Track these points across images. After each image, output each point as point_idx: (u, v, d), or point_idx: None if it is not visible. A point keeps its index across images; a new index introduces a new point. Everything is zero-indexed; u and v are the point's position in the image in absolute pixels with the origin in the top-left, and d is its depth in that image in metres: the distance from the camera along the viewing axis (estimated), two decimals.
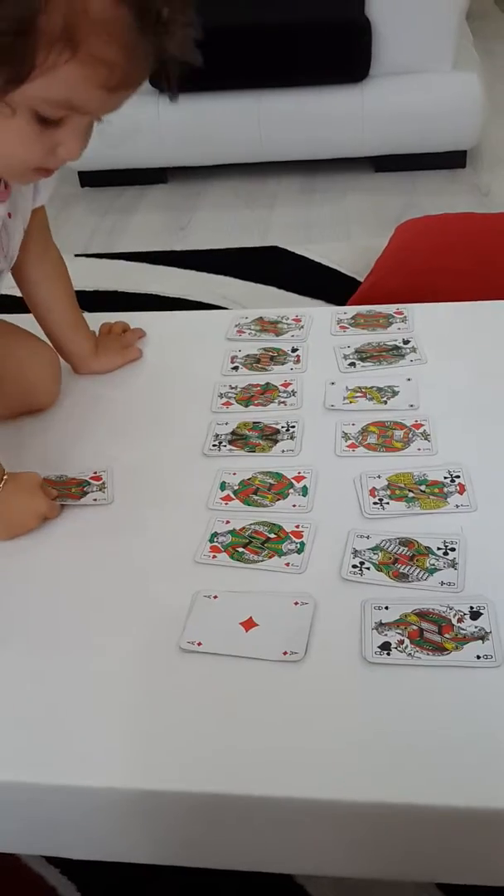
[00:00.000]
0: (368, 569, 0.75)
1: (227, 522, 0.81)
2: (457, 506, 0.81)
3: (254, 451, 0.91)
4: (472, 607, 0.70)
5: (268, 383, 1.02)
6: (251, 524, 0.81)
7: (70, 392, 1.05)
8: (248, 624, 0.71)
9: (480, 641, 0.67)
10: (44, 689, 0.68)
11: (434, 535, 0.78)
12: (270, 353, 1.08)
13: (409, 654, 0.67)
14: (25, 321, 1.05)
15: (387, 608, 0.71)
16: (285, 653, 0.68)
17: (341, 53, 2.24)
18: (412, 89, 2.29)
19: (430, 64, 2.28)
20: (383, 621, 0.70)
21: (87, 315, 1.12)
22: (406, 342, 1.07)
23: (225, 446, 0.92)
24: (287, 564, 0.76)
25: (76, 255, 2.13)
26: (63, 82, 0.65)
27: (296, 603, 0.72)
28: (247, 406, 0.99)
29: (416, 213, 2.01)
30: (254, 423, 0.95)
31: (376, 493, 0.83)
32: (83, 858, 0.70)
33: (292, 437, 0.93)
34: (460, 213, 1.94)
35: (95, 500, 0.85)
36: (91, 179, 2.53)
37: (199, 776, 0.61)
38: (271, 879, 0.85)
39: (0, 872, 0.89)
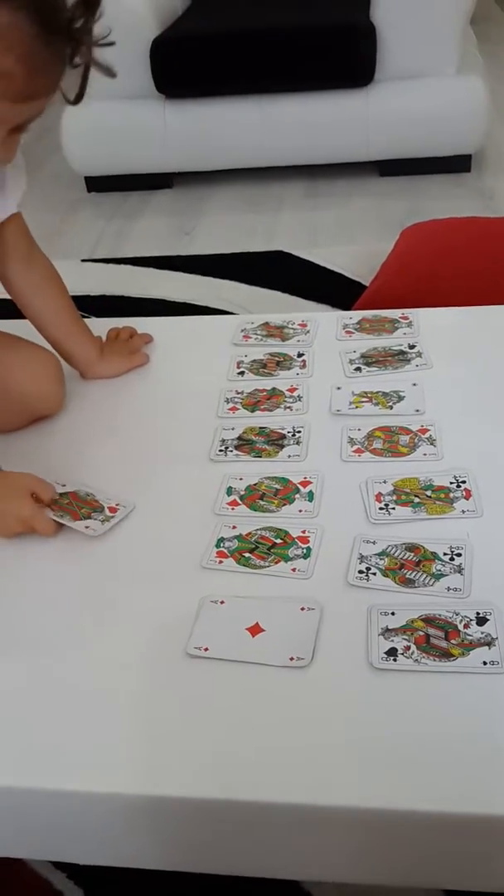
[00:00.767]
0: (375, 574, 0.75)
1: (234, 527, 0.82)
2: (463, 511, 0.81)
3: (260, 457, 0.91)
4: (478, 613, 0.70)
5: (274, 388, 1.03)
6: (257, 529, 0.81)
7: (76, 397, 1.05)
8: (255, 629, 0.71)
9: (487, 647, 0.67)
10: (50, 693, 0.68)
11: (440, 541, 0.78)
12: (276, 358, 1.08)
13: (416, 659, 0.67)
14: (23, 326, 1.05)
15: (393, 614, 0.71)
16: (292, 658, 0.68)
17: (346, 58, 2.25)
18: (417, 93, 2.29)
19: (435, 68, 2.28)
20: (389, 627, 0.70)
21: (93, 320, 1.12)
22: (412, 347, 1.07)
23: (231, 451, 0.93)
24: (293, 570, 0.77)
25: (82, 260, 2.14)
26: None
27: (302, 608, 0.72)
28: (253, 411, 0.99)
29: (420, 217, 2.01)
30: (260, 428, 0.96)
31: (382, 499, 0.83)
32: (89, 864, 0.70)
33: (298, 443, 0.93)
34: (465, 217, 1.94)
35: (87, 527, 0.82)
36: (97, 184, 2.54)
37: (205, 782, 0.62)
38: (278, 885, 0.85)
39: (7, 877, 0.89)
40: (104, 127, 2.38)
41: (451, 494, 0.83)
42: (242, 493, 0.86)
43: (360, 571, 0.75)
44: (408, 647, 0.68)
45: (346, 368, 1.05)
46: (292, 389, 1.02)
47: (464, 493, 0.83)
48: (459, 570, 0.74)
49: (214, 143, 2.41)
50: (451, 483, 0.84)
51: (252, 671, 0.68)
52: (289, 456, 0.91)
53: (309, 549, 0.78)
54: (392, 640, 0.68)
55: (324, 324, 1.15)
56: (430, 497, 0.83)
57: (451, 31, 2.22)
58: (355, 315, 1.17)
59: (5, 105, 0.69)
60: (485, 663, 0.66)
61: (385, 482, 0.85)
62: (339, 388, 1.01)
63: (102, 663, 0.71)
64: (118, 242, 2.27)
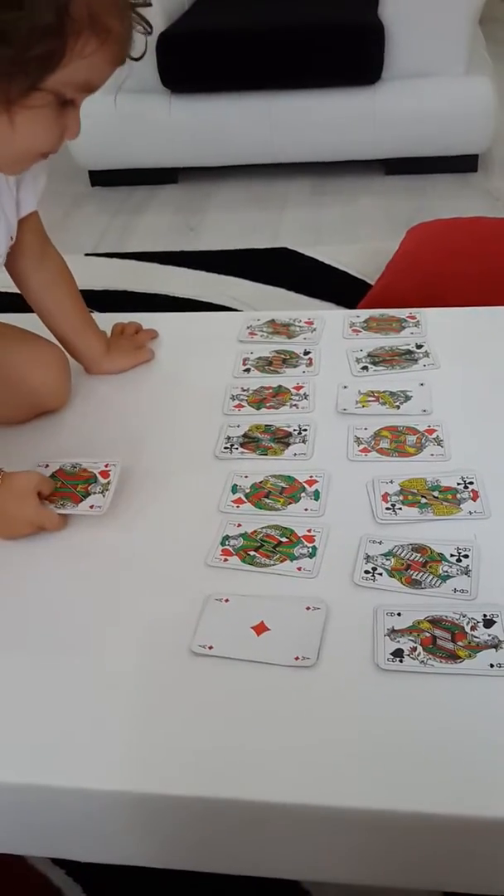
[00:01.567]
0: (381, 574, 0.74)
1: (239, 526, 0.81)
2: (470, 512, 0.81)
3: (265, 455, 0.91)
4: (485, 615, 0.70)
5: (280, 386, 1.02)
6: (263, 528, 0.81)
7: (81, 393, 1.04)
8: (260, 628, 0.71)
9: (494, 650, 0.67)
10: (52, 691, 0.68)
11: (447, 542, 0.77)
12: (282, 356, 1.08)
13: (422, 661, 0.66)
14: (31, 319, 1.05)
15: (399, 615, 0.70)
16: (297, 658, 0.68)
17: (354, 56, 2.24)
18: (424, 93, 2.28)
19: (443, 68, 2.27)
20: (396, 628, 0.69)
21: (99, 315, 1.12)
22: (419, 346, 1.07)
23: (236, 449, 0.92)
24: (299, 569, 0.76)
25: (86, 255, 2.13)
26: (88, 63, 0.71)
27: (308, 608, 0.72)
28: (259, 409, 0.98)
29: (426, 216, 2.01)
30: (266, 425, 0.95)
31: (389, 499, 0.83)
32: (89, 861, 0.70)
33: (304, 441, 0.92)
34: (471, 217, 1.94)
35: (91, 506, 0.82)
36: (102, 179, 2.53)
37: (206, 781, 0.61)
38: (278, 885, 0.84)
39: (6, 873, 0.89)
40: (109, 121, 2.36)
41: (459, 495, 0.83)
42: (248, 490, 0.86)
43: (367, 571, 0.75)
44: (414, 649, 0.67)
45: (352, 367, 1.04)
46: (298, 387, 1.02)
47: (471, 494, 0.83)
48: (466, 571, 0.74)
49: (220, 138, 2.40)
50: (459, 484, 0.84)
51: (257, 670, 0.68)
52: (295, 454, 0.91)
53: (314, 548, 0.78)
54: (398, 641, 0.68)
55: (330, 322, 1.14)
56: (437, 498, 0.82)
57: (459, 30, 2.22)
58: (362, 314, 1.16)
59: (111, 70, 0.74)
60: (492, 665, 0.66)
61: (392, 482, 0.85)
62: (345, 387, 1.00)
63: (106, 661, 0.70)
64: (122, 237, 2.27)
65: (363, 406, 0.97)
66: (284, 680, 0.67)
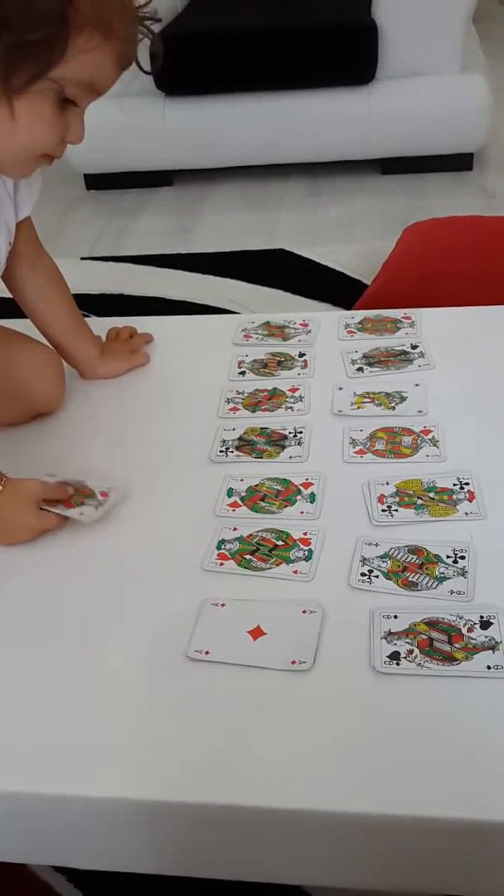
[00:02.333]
0: (377, 577, 0.74)
1: (235, 529, 0.81)
2: (466, 513, 0.80)
3: (261, 457, 0.91)
4: (482, 617, 0.69)
5: (275, 388, 1.02)
6: (259, 531, 0.80)
7: (76, 397, 1.04)
8: (256, 632, 0.70)
9: (491, 651, 0.67)
10: (48, 698, 0.68)
11: (443, 543, 0.77)
12: (278, 358, 1.08)
13: (419, 663, 0.66)
14: (25, 325, 1.05)
15: (396, 617, 0.70)
16: (293, 662, 0.67)
17: (348, 56, 2.24)
18: (419, 92, 2.28)
19: (437, 66, 2.27)
20: (392, 630, 0.69)
21: (94, 319, 1.12)
22: (414, 347, 1.07)
23: (232, 452, 0.92)
24: (295, 572, 0.76)
25: (82, 258, 2.13)
26: (91, 62, 0.71)
27: (304, 611, 0.72)
28: (254, 411, 0.98)
29: (422, 215, 2.00)
30: (261, 428, 0.95)
31: (385, 500, 0.82)
32: (88, 868, 0.69)
33: (300, 443, 0.92)
34: (467, 215, 1.93)
35: (81, 513, 0.82)
36: (97, 182, 2.53)
37: (205, 787, 0.61)
38: (278, 890, 0.84)
39: (8, 880, 0.89)
40: (103, 124, 2.35)
41: (455, 496, 0.82)
42: (243, 494, 0.85)
43: (363, 574, 0.75)
44: (411, 651, 0.67)
45: (347, 369, 1.04)
46: (294, 389, 1.01)
47: (467, 495, 0.82)
48: (463, 573, 0.74)
49: (215, 140, 2.40)
50: (455, 485, 0.84)
51: (253, 675, 0.67)
52: (290, 457, 0.90)
53: (311, 551, 0.78)
54: (395, 644, 0.68)
55: (325, 323, 1.14)
56: (433, 499, 0.82)
57: (453, 29, 2.21)
58: (357, 315, 1.16)
59: (116, 72, 0.75)
60: (489, 667, 0.65)
61: (387, 484, 0.84)
62: (340, 389, 1.00)
63: (102, 666, 0.70)
64: (118, 240, 2.26)
65: (358, 407, 0.97)
66: (281, 684, 0.66)
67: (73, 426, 1.00)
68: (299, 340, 1.11)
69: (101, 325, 1.13)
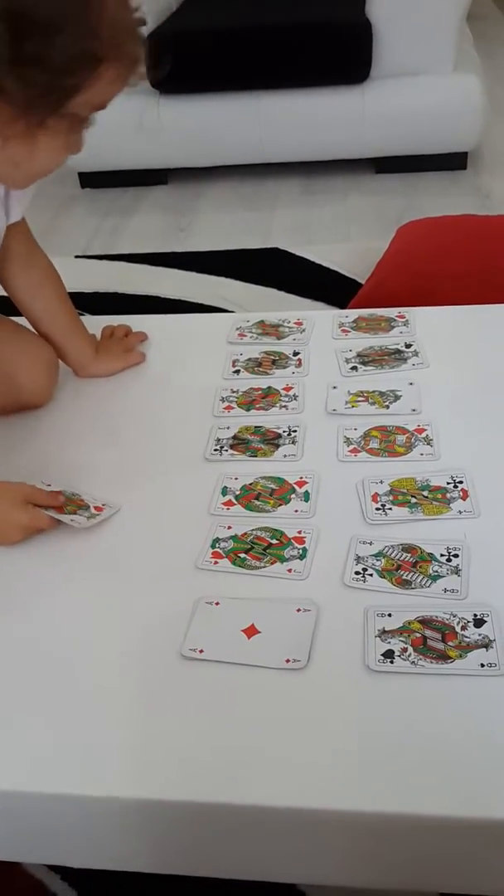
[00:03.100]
0: (371, 575, 0.74)
1: (229, 528, 0.81)
2: (460, 512, 0.81)
3: (255, 456, 0.91)
4: (475, 615, 0.70)
5: (269, 387, 1.02)
6: (253, 530, 0.81)
7: (70, 395, 1.04)
8: (251, 631, 0.70)
9: (484, 649, 0.67)
10: (43, 697, 0.68)
11: (437, 542, 0.77)
12: (272, 357, 1.08)
13: (413, 662, 0.66)
14: (20, 322, 1.04)
15: (390, 615, 0.70)
16: (288, 660, 0.68)
17: (342, 55, 2.24)
18: (413, 91, 2.28)
19: (431, 66, 2.27)
20: (386, 629, 0.69)
21: (88, 318, 1.11)
22: (408, 346, 1.07)
23: (226, 450, 0.92)
24: (289, 570, 0.76)
25: (76, 257, 2.13)
26: (109, 88, 0.73)
27: (298, 610, 0.72)
28: (248, 410, 0.98)
29: (416, 214, 2.00)
30: (255, 427, 0.95)
31: (379, 499, 0.83)
32: (84, 867, 0.69)
33: (294, 442, 0.92)
34: (461, 214, 1.94)
35: (72, 520, 0.82)
36: (91, 180, 2.52)
37: (200, 785, 0.61)
38: (273, 888, 0.84)
39: (2, 878, 0.89)
40: (98, 122, 2.36)
41: (448, 495, 0.82)
42: (238, 492, 0.85)
43: (357, 572, 0.75)
44: (405, 649, 0.67)
45: (342, 367, 1.04)
46: (288, 388, 1.01)
47: (461, 493, 0.82)
48: (456, 571, 0.74)
49: (210, 139, 2.40)
50: (448, 483, 0.84)
51: (247, 673, 0.67)
52: (284, 455, 0.90)
53: (305, 549, 0.78)
54: (389, 642, 0.68)
55: (319, 322, 1.14)
56: (426, 497, 0.82)
57: (447, 28, 2.22)
58: (351, 314, 1.16)
59: (119, 87, 0.76)
60: (482, 665, 0.66)
61: (381, 482, 0.85)
62: (335, 388, 1.00)
63: (97, 665, 0.70)
64: (112, 239, 2.26)
65: (353, 406, 0.97)
66: (275, 682, 0.67)
67: (67, 425, 1.00)
68: (294, 339, 1.11)
69: (95, 324, 1.13)
